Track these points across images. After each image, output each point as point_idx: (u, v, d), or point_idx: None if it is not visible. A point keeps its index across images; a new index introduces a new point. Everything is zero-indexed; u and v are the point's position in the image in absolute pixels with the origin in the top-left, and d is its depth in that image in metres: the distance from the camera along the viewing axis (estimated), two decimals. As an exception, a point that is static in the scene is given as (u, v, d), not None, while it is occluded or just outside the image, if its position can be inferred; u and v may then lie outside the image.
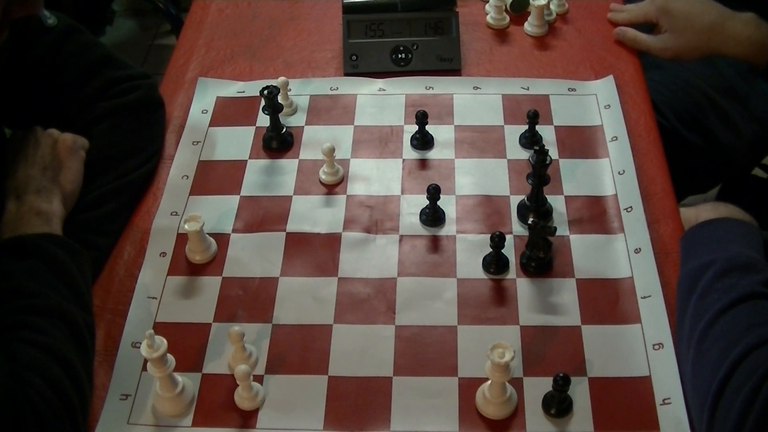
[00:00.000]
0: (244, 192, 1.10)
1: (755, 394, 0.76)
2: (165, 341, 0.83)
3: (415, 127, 1.15)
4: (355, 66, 1.27)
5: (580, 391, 0.88)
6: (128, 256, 1.03)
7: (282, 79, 1.18)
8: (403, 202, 1.08)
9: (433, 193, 1.03)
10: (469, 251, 1.02)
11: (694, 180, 1.50)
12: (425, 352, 0.92)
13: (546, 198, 1.05)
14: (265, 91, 1.11)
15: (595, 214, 1.06)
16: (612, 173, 1.10)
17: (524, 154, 1.13)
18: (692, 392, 0.85)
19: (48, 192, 0.96)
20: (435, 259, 1.02)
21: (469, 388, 0.88)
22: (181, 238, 1.04)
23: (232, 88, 1.26)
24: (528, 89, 1.23)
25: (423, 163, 1.14)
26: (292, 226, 1.06)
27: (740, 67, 1.40)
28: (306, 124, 1.20)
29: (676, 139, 1.41)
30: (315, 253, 1.02)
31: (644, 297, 0.96)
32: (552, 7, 1.36)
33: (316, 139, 1.16)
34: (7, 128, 1.09)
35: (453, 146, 1.15)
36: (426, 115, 1.13)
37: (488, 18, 1.36)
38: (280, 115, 1.15)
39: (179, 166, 1.14)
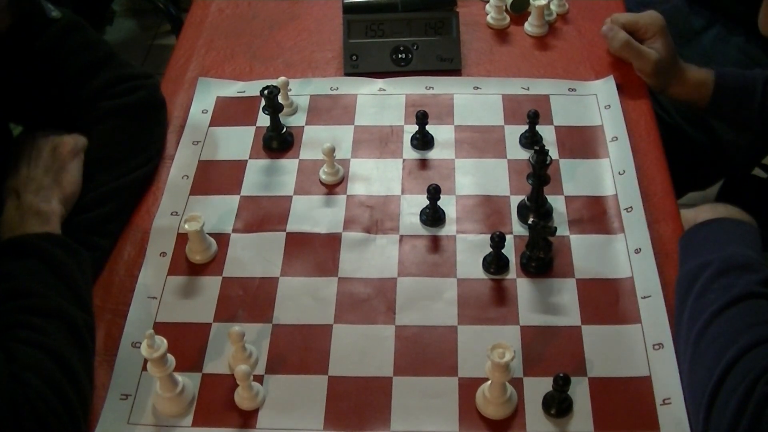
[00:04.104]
0: (245, 192, 1.10)
1: (749, 394, 0.76)
2: (165, 341, 0.83)
3: (416, 127, 1.15)
4: (355, 66, 1.27)
5: (580, 391, 0.88)
6: (128, 256, 1.03)
7: (282, 79, 1.18)
8: (403, 202, 1.08)
9: (434, 193, 1.03)
10: (469, 251, 1.02)
11: (695, 176, 1.51)
12: (425, 352, 0.92)
13: (546, 198, 1.05)
14: (266, 91, 1.11)
15: (595, 214, 1.06)
16: (612, 173, 1.10)
17: (524, 154, 1.13)
18: (689, 392, 0.85)
19: (47, 192, 0.96)
20: (435, 259, 1.02)
21: (469, 388, 0.88)
22: (182, 238, 1.04)
23: (232, 88, 1.26)
24: (528, 89, 1.23)
25: (423, 163, 1.14)
26: (292, 226, 1.06)
27: (741, 65, 1.40)
28: (306, 124, 1.20)
29: (677, 135, 1.41)
30: (315, 253, 1.02)
31: (644, 297, 0.96)
32: (552, 7, 1.36)
33: (317, 139, 1.16)
34: (13, 123, 1.09)
35: (453, 146, 1.15)
36: (426, 115, 1.13)
37: (488, 18, 1.36)
38: (280, 115, 1.15)
39: (179, 166, 1.14)
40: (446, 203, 1.06)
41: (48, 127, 1.04)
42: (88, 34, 1.10)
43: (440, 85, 1.25)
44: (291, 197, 1.09)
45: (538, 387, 0.88)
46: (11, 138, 1.06)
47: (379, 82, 1.26)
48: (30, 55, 1.03)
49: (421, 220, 1.06)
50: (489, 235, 0.97)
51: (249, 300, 0.98)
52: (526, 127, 1.15)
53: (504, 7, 1.35)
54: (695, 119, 1.43)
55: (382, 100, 1.23)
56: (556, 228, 0.96)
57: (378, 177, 1.12)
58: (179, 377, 0.88)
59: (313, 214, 1.07)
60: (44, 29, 1.03)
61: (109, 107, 1.08)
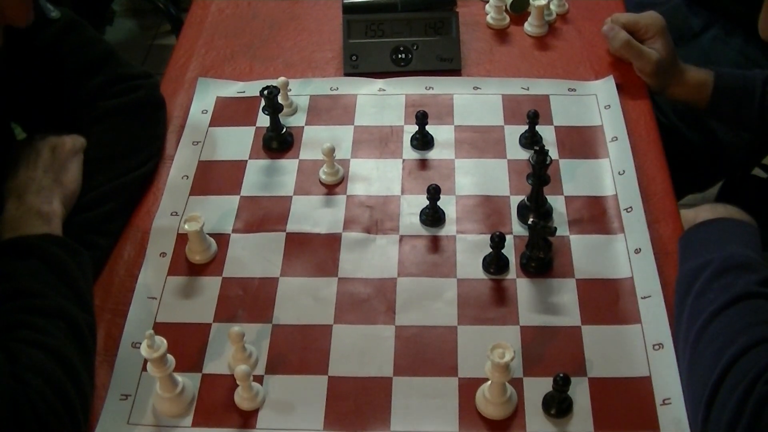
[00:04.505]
0: (244, 192, 1.10)
1: (748, 394, 0.76)
2: (165, 341, 0.83)
3: (415, 127, 1.15)
4: (355, 66, 1.27)
5: (580, 391, 0.88)
6: (128, 256, 1.03)
7: (282, 79, 1.18)
8: (403, 202, 1.08)
9: (433, 193, 1.03)
10: (469, 251, 1.02)
11: (694, 178, 1.51)
12: (425, 352, 0.92)
13: (546, 198, 1.05)
14: (265, 91, 1.11)
15: (595, 215, 1.06)
16: (612, 173, 1.10)
17: (524, 154, 1.13)
18: (688, 392, 0.85)
19: (48, 192, 0.96)
20: (435, 259, 1.02)
21: (469, 388, 0.88)
22: (181, 238, 1.04)
23: (232, 88, 1.26)
24: (528, 89, 1.23)
25: (423, 163, 1.14)
26: (292, 226, 1.06)
27: (739, 66, 1.41)
28: (306, 124, 1.20)
29: (675, 137, 1.41)
30: (315, 253, 1.02)
31: (644, 297, 0.96)
32: (552, 7, 1.36)
33: (316, 139, 1.16)
34: (14, 123, 1.09)
35: (453, 146, 1.15)
36: (426, 116, 1.14)
37: (488, 18, 1.36)
38: (280, 115, 1.15)
39: (179, 166, 1.14)
40: (446, 203, 1.06)
41: (47, 130, 1.04)
42: (88, 34, 1.10)
43: (440, 85, 1.25)
44: (291, 197, 1.09)
45: (538, 387, 0.88)
46: (13, 137, 1.06)
47: (379, 82, 1.26)
48: (29, 55, 1.03)
49: (421, 220, 1.06)
50: (489, 235, 0.98)
51: (249, 300, 0.98)
52: (526, 127, 1.15)
53: (504, 7, 1.35)
54: (691, 120, 1.43)
55: (382, 100, 1.23)
56: (556, 228, 0.96)
57: (378, 177, 1.12)
58: (179, 377, 0.88)
59: (313, 214, 1.07)
60: (43, 29, 1.03)
61: (108, 107, 1.09)
